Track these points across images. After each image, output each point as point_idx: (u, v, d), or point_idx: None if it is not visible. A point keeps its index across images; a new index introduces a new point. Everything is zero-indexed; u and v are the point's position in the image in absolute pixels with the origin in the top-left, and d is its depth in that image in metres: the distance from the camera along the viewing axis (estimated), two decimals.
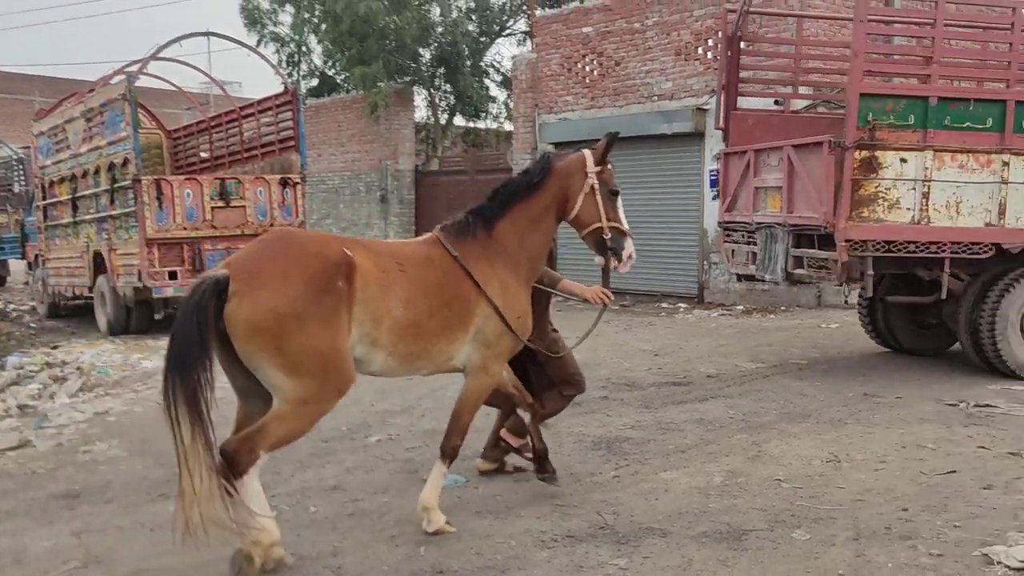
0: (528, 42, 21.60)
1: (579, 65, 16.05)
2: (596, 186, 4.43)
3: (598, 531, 4.21)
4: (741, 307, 13.08)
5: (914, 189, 7.16)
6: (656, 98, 14.64)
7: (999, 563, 3.66)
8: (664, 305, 13.77)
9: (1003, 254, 7.40)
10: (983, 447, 5.48)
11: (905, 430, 5.90)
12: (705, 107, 13.38)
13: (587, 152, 4.48)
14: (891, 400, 6.86)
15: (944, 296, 7.50)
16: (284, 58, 24.78)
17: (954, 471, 4.98)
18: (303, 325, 3.58)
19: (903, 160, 7.12)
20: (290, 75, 23.43)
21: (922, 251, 7.20)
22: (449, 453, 4.34)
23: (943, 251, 7.20)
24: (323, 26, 22.53)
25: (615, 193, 4.52)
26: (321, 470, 5.36)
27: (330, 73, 25.32)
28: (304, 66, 25.46)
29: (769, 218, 8.13)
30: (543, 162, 4.48)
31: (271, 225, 12.09)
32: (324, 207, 22.30)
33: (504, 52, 44.08)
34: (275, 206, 12.21)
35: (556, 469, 4.82)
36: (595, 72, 15.73)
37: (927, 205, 7.17)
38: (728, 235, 9.10)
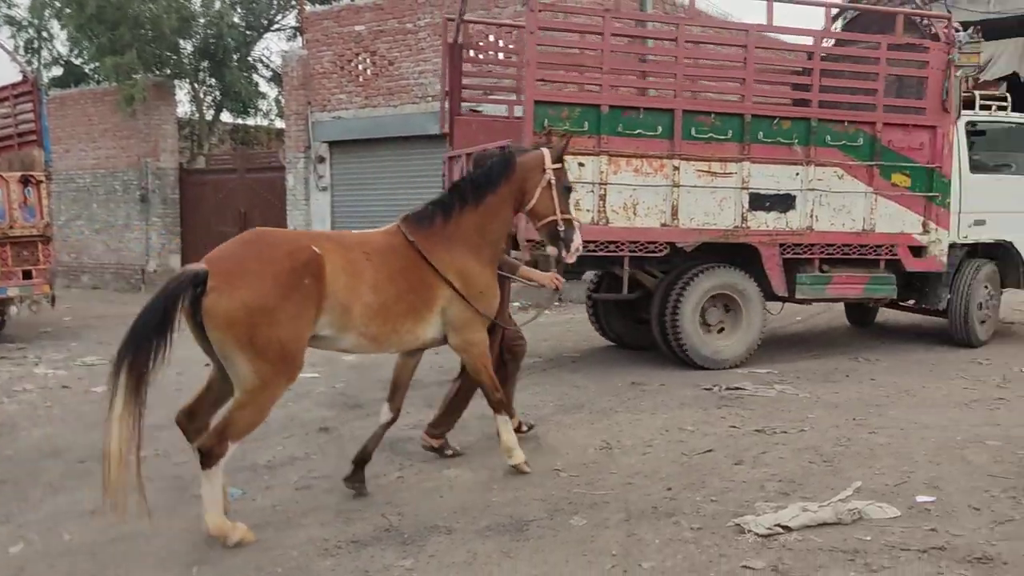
0: (299, 38, 21.01)
1: (352, 63, 15.85)
2: (553, 182, 4.86)
3: (383, 534, 4.17)
4: (517, 303, 13.47)
5: (592, 192, 7.61)
6: (430, 99, 14.74)
7: (749, 531, 4.01)
8: None
9: (679, 253, 8.00)
10: (734, 426, 6.00)
11: (668, 415, 6.34)
12: (478, 108, 13.65)
13: (545, 150, 4.91)
14: (656, 387, 7.35)
15: (626, 292, 8.07)
16: (21, 44, 22.54)
17: (710, 450, 5.42)
18: (271, 319, 3.93)
19: (581, 164, 7.52)
20: (29, 63, 21.31)
21: (601, 250, 7.69)
22: (497, 406, 4.94)
23: (622, 250, 7.74)
24: (67, 10, 20.64)
25: (569, 189, 5.03)
26: (76, 493, 4.90)
27: (77, 62, 23.30)
28: (46, 53, 23.29)
29: None
30: (504, 159, 4.87)
31: (10, 227, 10.90)
32: (75, 207, 20.46)
33: (274, 47, 42.48)
34: (15, 206, 10.98)
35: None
36: (368, 71, 15.61)
37: (604, 207, 7.65)
38: None
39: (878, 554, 3.76)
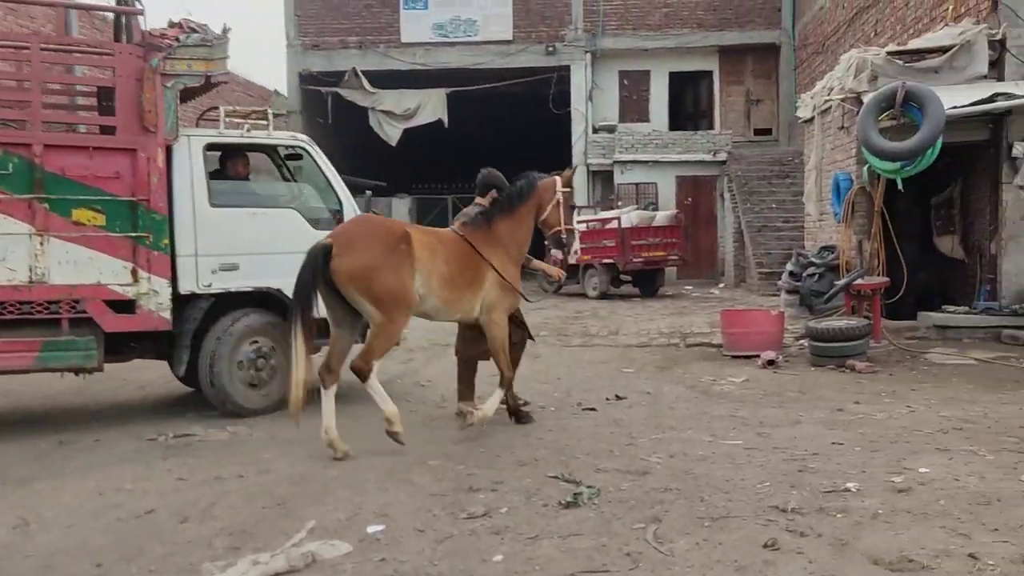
0: None
1: None
2: (561, 201, 6.61)
3: None
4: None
5: None
6: None
7: None
8: None
9: None
10: (182, 479, 5.43)
11: (103, 474, 5.51)
12: None
13: (558, 177, 6.68)
14: (89, 444, 6.39)
15: None
16: None
17: (152, 510, 4.79)
18: (380, 272, 5.70)
19: None
20: None
21: None
22: (506, 382, 6.49)
23: None
24: None
25: (573, 207, 6.94)
26: None
27: None
28: None
29: None
30: (530, 182, 6.62)
31: None
32: None
33: None
34: None
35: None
36: None
37: None
38: None
39: None
